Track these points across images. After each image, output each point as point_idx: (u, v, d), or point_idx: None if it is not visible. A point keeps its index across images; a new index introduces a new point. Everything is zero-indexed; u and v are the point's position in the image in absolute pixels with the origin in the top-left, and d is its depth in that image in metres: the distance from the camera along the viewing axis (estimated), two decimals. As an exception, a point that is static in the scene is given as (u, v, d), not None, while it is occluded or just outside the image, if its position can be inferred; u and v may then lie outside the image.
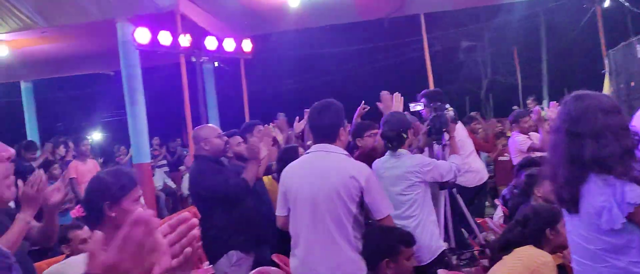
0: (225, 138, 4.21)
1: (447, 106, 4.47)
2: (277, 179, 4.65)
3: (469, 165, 5.28)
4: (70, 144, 8.04)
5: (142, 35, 7.03)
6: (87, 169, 6.90)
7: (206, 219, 4.06)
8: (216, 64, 9.86)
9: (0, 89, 13.48)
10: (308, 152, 3.30)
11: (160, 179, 10.07)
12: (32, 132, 11.80)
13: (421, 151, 4.30)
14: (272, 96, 14.16)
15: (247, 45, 8.33)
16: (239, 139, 4.60)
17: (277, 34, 11.36)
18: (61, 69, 11.67)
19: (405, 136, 3.76)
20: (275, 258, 3.95)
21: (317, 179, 3.08)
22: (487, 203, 8.51)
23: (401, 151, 3.76)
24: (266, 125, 4.81)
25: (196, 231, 1.16)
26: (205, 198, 4.04)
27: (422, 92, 5.32)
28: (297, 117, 5.41)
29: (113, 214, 2.08)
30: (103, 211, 2.07)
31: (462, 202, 4.45)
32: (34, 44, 8.98)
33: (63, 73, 12.28)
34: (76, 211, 2.86)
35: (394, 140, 3.77)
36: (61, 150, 7.93)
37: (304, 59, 14.11)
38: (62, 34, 8.61)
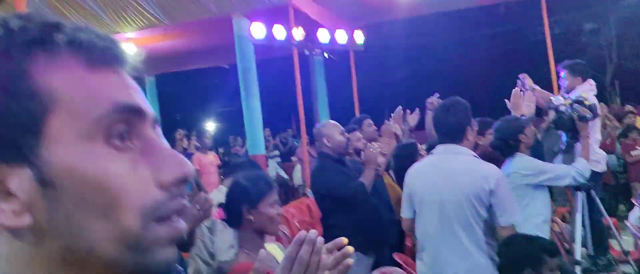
0: (347, 135, 4.18)
1: (583, 94, 4.12)
2: (394, 177, 4.59)
3: (598, 153, 4.80)
4: (192, 137, 8.44)
5: (258, 30, 7.18)
6: (208, 161, 7.20)
7: (326, 217, 4.08)
8: (326, 55, 9.90)
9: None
10: (433, 154, 3.19)
11: (273, 170, 10.32)
12: (154, 125, 12.50)
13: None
14: (382, 86, 13.96)
15: (359, 37, 8.26)
16: (358, 134, 4.55)
17: (388, 24, 11.19)
18: (181, 64, 12.30)
19: (513, 142, 3.60)
20: (397, 257, 3.87)
21: (444, 182, 2.96)
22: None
23: (517, 153, 3.62)
24: (387, 121, 4.71)
25: (350, 261, 1.16)
26: (325, 197, 4.04)
27: (563, 63, 4.96)
28: (408, 111, 5.27)
29: (251, 218, 2.11)
30: (242, 215, 2.11)
31: (600, 204, 4.11)
32: (157, 41, 9.49)
33: (182, 67, 12.94)
34: (218, 214, 2.94)
35: (501, 148, 3.66)
36: (184, 142, 8.35)
37: (416, 48, 13.76)
38: (183, 31, 9.03)
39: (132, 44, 9.22)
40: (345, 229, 3.88)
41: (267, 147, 10.56)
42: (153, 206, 0.54)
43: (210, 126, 19.81)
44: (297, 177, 10.16)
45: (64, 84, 0.53)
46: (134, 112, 0.56)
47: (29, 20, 0.54)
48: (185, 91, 17.08)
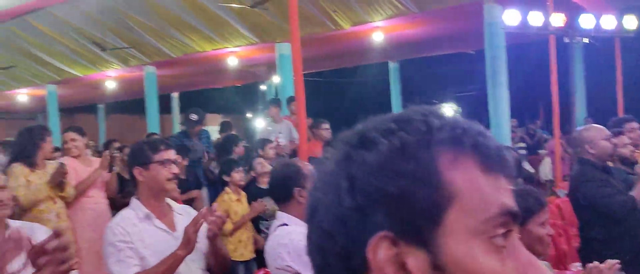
0: (614, 140, 3.71)
1: None
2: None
3: None
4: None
5: (512, 16, 6.77)
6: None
7: (585, 229, 3.73)
8: (586, 40, 8.95)
9: (372, 69, 15.05)
10: None
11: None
12: (396, 109, 12.85)
13: None
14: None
15: (630, 22, 7.26)
16: (625, 139, 4.01)
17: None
18: (425, 50, 12.33)
19: None
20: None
21: None
22: None
23: None
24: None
25: None
26: (585, 208, 3.67)
27: None
28: None
29: (518, 237, 1.96)
30: None
31: None
32: (403, 29, 9.62)
33: (426, 53, 12.96)
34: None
35: None
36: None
37: None
38: (430, 18, 8.98)
39: (380, 32, 9.51)
40: (607, 244, 3.49)
41: (512, 139, 10.02)
42: None
43: (447, 111, 19.52)
44: (545, 171, 9.47)
45: (463, 182, 0.59)
46: (514, 217, 0.61)
47: (444, 121, 0.61)
48: (427, 75, 17.14)
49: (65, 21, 10.21)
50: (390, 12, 8.35)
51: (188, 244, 2.32)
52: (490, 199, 0.58)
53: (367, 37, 9.64)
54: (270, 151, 5.90)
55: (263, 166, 5.15)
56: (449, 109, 19.05)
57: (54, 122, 13.04)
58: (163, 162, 2.51)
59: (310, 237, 0.66)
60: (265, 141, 6.14)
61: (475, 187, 0.58)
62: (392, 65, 13.11)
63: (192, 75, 13.48)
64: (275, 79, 12.78)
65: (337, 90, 17.12)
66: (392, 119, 0.63)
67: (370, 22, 8.72)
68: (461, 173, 0.59)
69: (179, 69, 12.38)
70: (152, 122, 11.52)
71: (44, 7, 9.98)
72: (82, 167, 4.60)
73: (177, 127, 16.67)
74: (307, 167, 2.56)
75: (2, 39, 11.26)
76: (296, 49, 4.57)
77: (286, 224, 2.50)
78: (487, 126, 8.58)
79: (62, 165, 4.17)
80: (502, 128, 7.94)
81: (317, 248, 0.64)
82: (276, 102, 7.35)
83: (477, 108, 10.61)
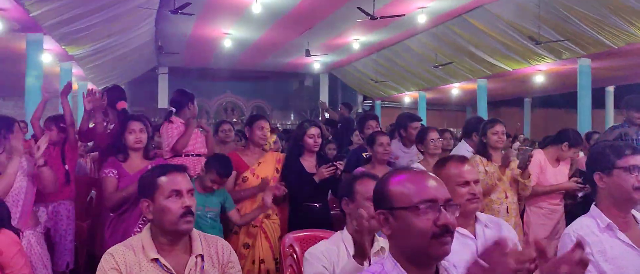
0: None
1: None
2: None
3: None
4: None
5: None
6: None
7: None
8: None
9: None
10: None
11: None
12: None
13: None
14: None
15: None
16: None
17: None
18: None
19: None
20: None
21: None
22: None
23: None
24: None
25: None
26: None
27: None
28: None
29: None
30: None
31: None
32: None
33: None
34: None
35: None
36: None
37: None
38: None
39: None
40: None
41: None
42: None
43: None
44: None
45: None
46: None
47: None
48: None
49: (499, 17, 10.49)
50: None
51: None
52: None
53: None
54: None
55: None
56: None
57: (483, 115, 13.66)
58: (629, 169, 2.23)
59: None
60: None
61: None
62: None
63: (634, 67, 12.06)
64: None
65: None
66: None
67: None
68: None
69: (617, 61, 11.26)
70: (584, 116, 10.83)
71: (481, 4, 10.47)
72: (551, 167, 4.45)
73: (610, 124, 15.32)
74: None
75: (444, 37, 12.36)
76: None
77: None
78: None
79: (510, 151, 4.05)
80: None
81: None
82: None
83: None
